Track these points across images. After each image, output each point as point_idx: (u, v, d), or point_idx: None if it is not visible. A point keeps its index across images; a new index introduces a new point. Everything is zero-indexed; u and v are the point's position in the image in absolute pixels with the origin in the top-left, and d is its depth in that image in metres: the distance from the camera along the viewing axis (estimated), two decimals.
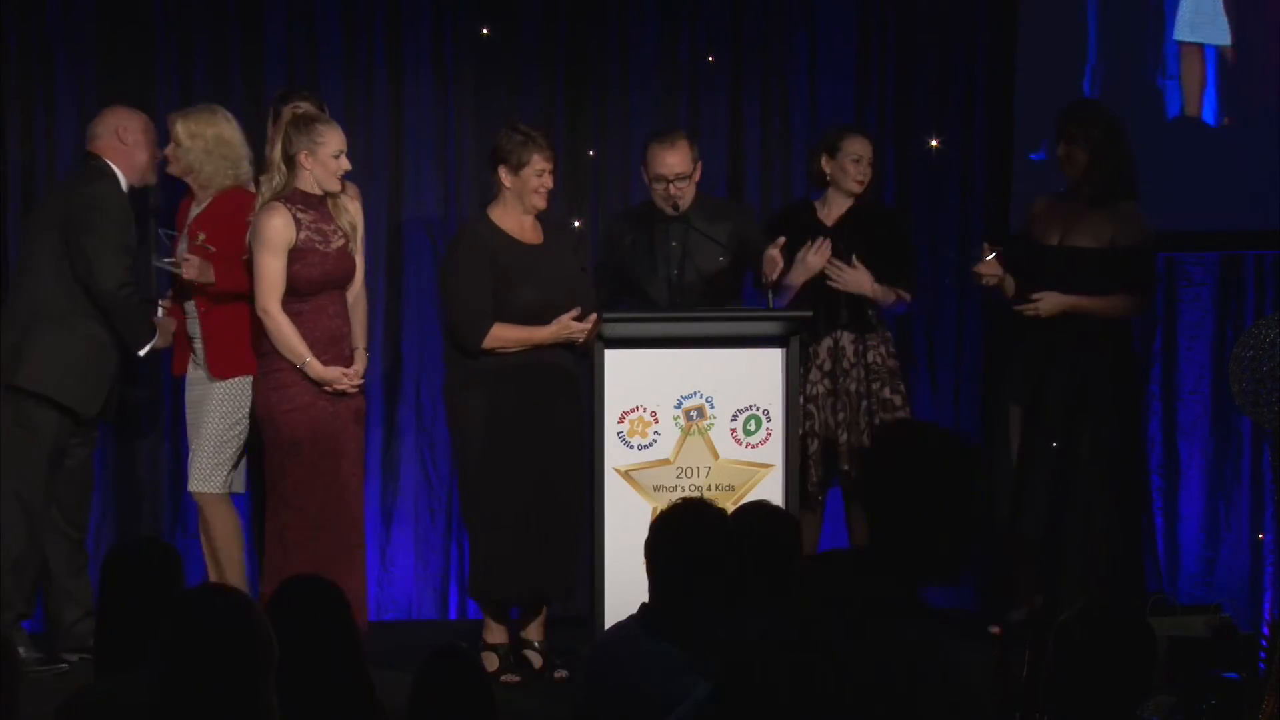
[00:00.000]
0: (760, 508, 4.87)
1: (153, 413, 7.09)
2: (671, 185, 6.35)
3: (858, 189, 6.70)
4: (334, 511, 6.04)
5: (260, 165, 6.48)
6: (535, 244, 6.19)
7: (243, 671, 3.12)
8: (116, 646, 3.78)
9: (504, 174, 6.13)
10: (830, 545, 6.80)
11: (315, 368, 6.02)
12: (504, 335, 6.05)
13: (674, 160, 6.34)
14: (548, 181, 6.14)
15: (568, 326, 6.03)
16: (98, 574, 3.97)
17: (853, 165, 6.74)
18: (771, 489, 5.85)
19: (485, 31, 7.26)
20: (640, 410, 5.87)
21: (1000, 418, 6.84)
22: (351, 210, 6.19)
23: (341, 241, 6.11)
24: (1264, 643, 5.38)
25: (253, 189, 6.29)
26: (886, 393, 6.65)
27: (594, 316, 6.02)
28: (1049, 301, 6.56)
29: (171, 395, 7.08)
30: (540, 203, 6.15)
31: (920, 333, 7.48)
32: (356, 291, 6.23)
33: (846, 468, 6.56)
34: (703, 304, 6.33)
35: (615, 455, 5.85)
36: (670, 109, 7.31)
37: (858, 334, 6.66)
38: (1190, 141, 7.28)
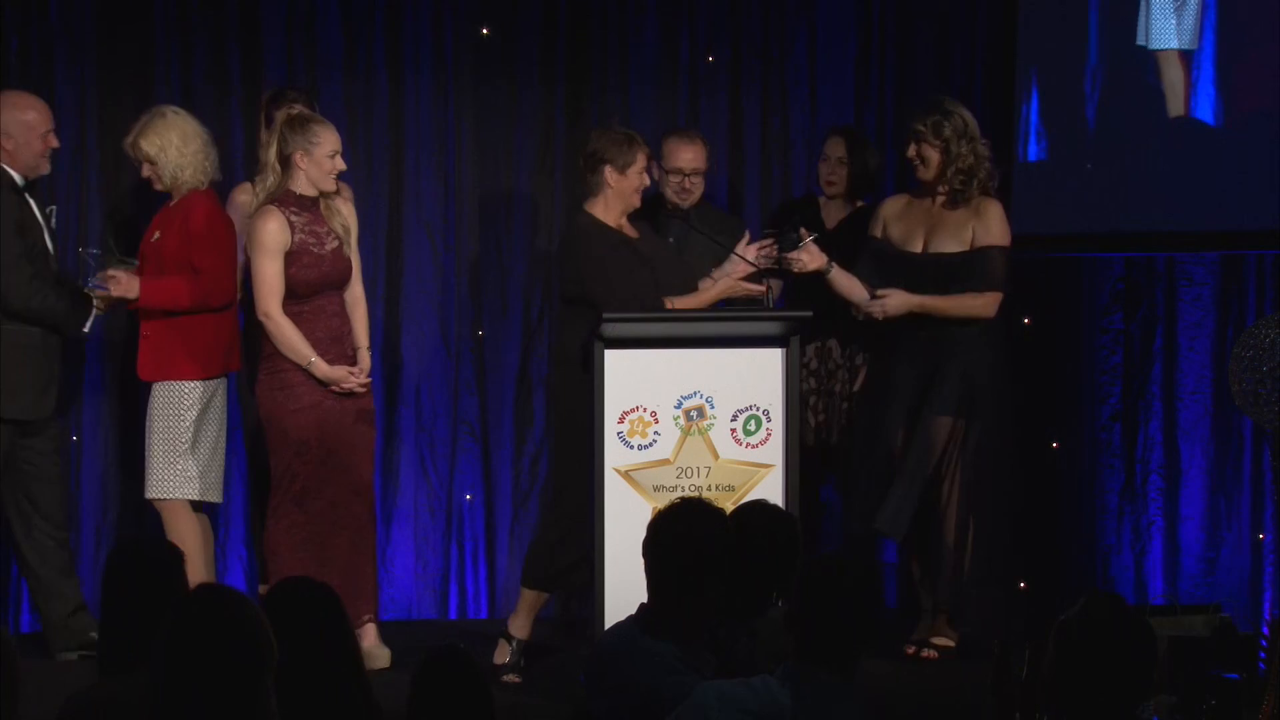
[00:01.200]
0: (760, 508, 4.87)
1: None
2: (686, 179, 6.59)
3: (827, 189, 6.76)
4: (344, 510, 6.08)
5: (255, 164, 6.52)
6: (635, 238, 6.24)
7: (242, 672, 3.12)
8: (119, 647, 3.78)
9: (609, 174, 6.16)
10: (830, 545, 6.81)
11: (321, 367, 6.05)
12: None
13: (691, 155, 6.61)
14: (646, 180, 6.22)
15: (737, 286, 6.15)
16: (98, 574, 3.97)
17: (823, 165, 6.77)
18: (771, 489, 5.84)
19: (485, 31, 7.26)
20: (640, 410, 5.86)
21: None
22: (344, 212, 6.21)
23: (336, 243, 6.13)
24: (1264, 643, 5.38)
25: (216, 178, 6.37)
26: None
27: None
28: (895, 300, 6.28)
29: None
30: (638, 201, 6.21)
31: None
32: (355, 292, 6.25)
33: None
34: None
35: (615, 455, 5.84)
36: (670, 109, 7.31)
37: (845, 338, 6.68)
38: (1190, 142, 7.28)
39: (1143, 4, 7.13)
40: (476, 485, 7.31)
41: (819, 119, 7.42)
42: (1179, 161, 7.24)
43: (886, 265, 6.39)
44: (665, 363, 5.89)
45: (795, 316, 6.17)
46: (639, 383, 5.86)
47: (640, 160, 6.16)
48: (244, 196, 6.50)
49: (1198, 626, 5.82)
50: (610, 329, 5.84)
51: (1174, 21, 7.13)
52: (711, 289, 6.20)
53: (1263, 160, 7.15)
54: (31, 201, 6.34)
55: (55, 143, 6.39)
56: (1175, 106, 7.22)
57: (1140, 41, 7.17)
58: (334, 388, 6.07)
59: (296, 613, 3.69)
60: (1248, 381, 6.34)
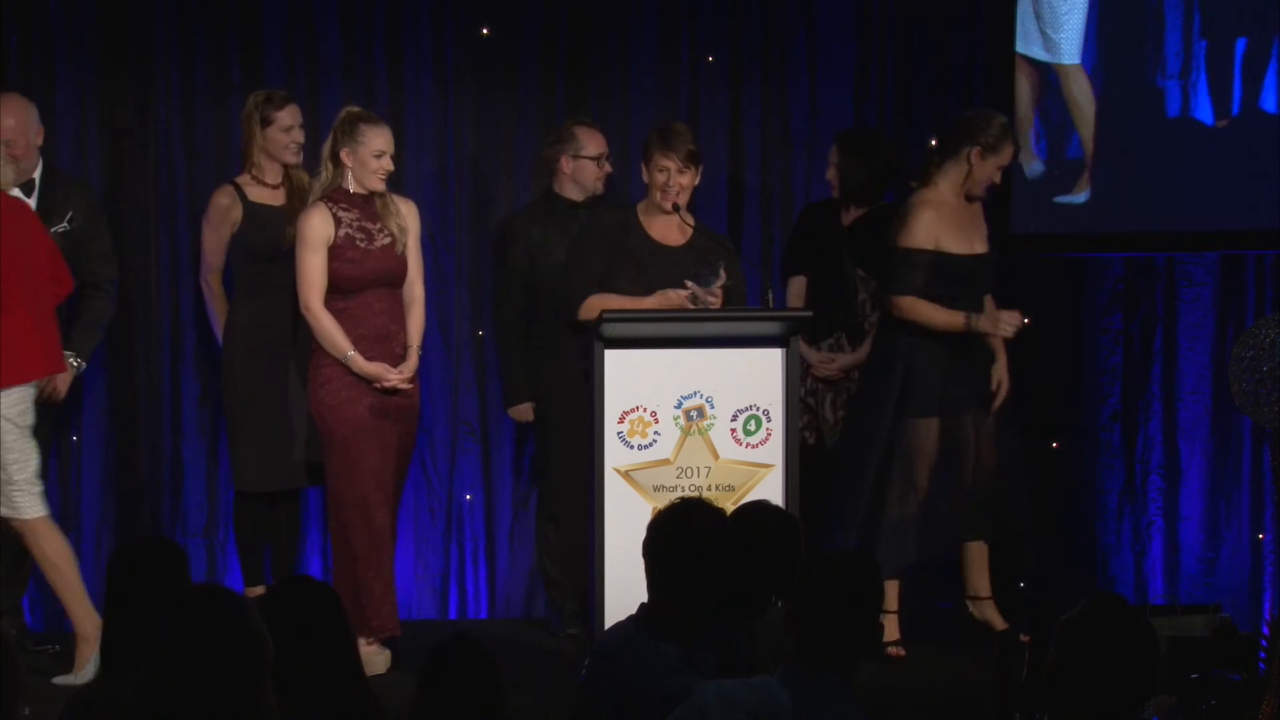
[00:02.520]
0: (761, 508, 4.87)
1: (152, 412, 7.09)
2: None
3: (833, 192, 6.77)
4: (373, 506, 6.13)
5: (242, 162, 6.58)
6: (672, 245, 6.21)
7: (237, 671, 3.12)
8: (122, 646, 3.78)
9: (644, 172, 6.19)
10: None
11: (358, 362, 6.10)
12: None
13: (596, 143, 6.66)
14: (673, 180, 6.15)
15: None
16: (98, 574, 3.97)
17: (830, 168, 6.79)
18: (771, 489, 5.84)
19: (485, 31, 7.26)
20: (640, 410, 5.86)
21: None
22: (404, 212, 6.26)
23: (387, 240, 6.18)
24: (1264, 643, 5.38)
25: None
26: None
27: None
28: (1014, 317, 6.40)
29: (171, 394, 7.08)
30: (663, 201, 6.18)
31: None
32: (413, 291, 6.29)
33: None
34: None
35: (615, 455, 5.84)
36: (670, 109, 7.31)
37: (854, 338, 6.69)
38: (1190, 141, 7.28)
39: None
40: (476, 485, 7.31)
41: (819, 119, 7.42)
42: (1179, 161, 7.25)
43: (950, 273, 6.35)
44: (665, 363, 5.89)
45: (795, 316, 6.17)
46: (639, 383, 5.86)
47: (658, 159, 6.15)
48: (224, 200, 6.55)
49: (1198, 626, 5.81)
50: (610, 329, 5.83)
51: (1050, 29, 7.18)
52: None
53: (1263, 160, 7.15)
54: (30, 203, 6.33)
55: (39, 141, 6.36)
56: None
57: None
58: (376, 385, 6.12)
59: (295, 612, 3.69)
60: (1248, 381, 6.33)
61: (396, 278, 6.22)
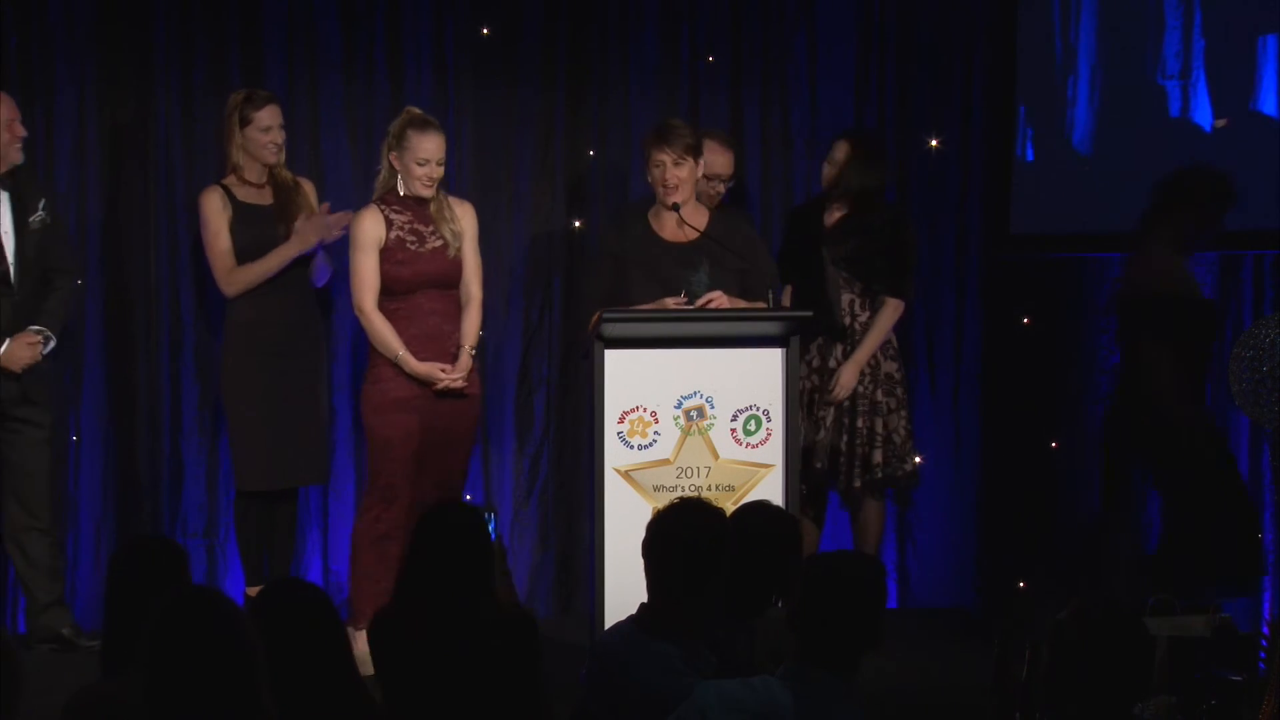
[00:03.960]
0: (760, 508, 4.87)
1: (152, 412, 7.09)
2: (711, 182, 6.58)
3: (824, 187, 6.75)
4: (396, 500, 6.20)
5: (224, 163, 6.59)
6: (684, 242, 6.20)
7: (228, 672, 3.12)
8: (123, 645, 3.78)
9: (648, 172, 6.22)
10: (831, 545, 6.81)
11: (410, 362, 6.16)
12: None
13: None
14: (670, 174, 6.15)
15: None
16: (98, 574, 3.97)
17: (826, 165, 6.75)
18: (771, 489, 5.84)
19: (485, 31, 7.26)
20: (640, 410, 5.86)
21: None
22: (459, 215, 6.32)
23: (439, 243, 6.25)
24: (1264, 643, 5.38)
25: None
26: (879, 395, 6.66)
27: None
28: None
29: (171, 394, 7.08)
30: (665, 197, 6.18)
31: (920, 333, 7.48)
32: (469, 292, 6.34)
33: (819, 465, 6.60)
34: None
35: (615, 455, 5.84)
36: (670, 109, 7.30)
37: (837, 338, 6.68)
38: (1190, 141, 7.28)
39: None
40: (476, 485, 7.30)
41: (819, 119, 7.41)
42: (1179, 161, 7.24)
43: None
44: (665, 363, 5.89)
45: (795, 316, 6.17)
46: (639, 383, 5.86)
47: (654, 154, 6.16)
48: (216, 200, 6.53)
49: (1198, 626, 5.81)
50: (610, 329, 5.83)
51: None
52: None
53: (1263, 160, 7.15)
54: (2, 194, 6.31)
55: (22, 131, 6.36)
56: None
57: None
58: (432, 387, 6.17)
59: (285, 614, 3.70)
60: (1247, 381, 6.35)
61: (449, 280, 6.28)
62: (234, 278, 6.52)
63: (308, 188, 6.65)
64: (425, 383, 6.20)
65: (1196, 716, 4.83)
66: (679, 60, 7.39)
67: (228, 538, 7.02)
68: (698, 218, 6.22)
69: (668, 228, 6.22)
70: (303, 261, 6.57)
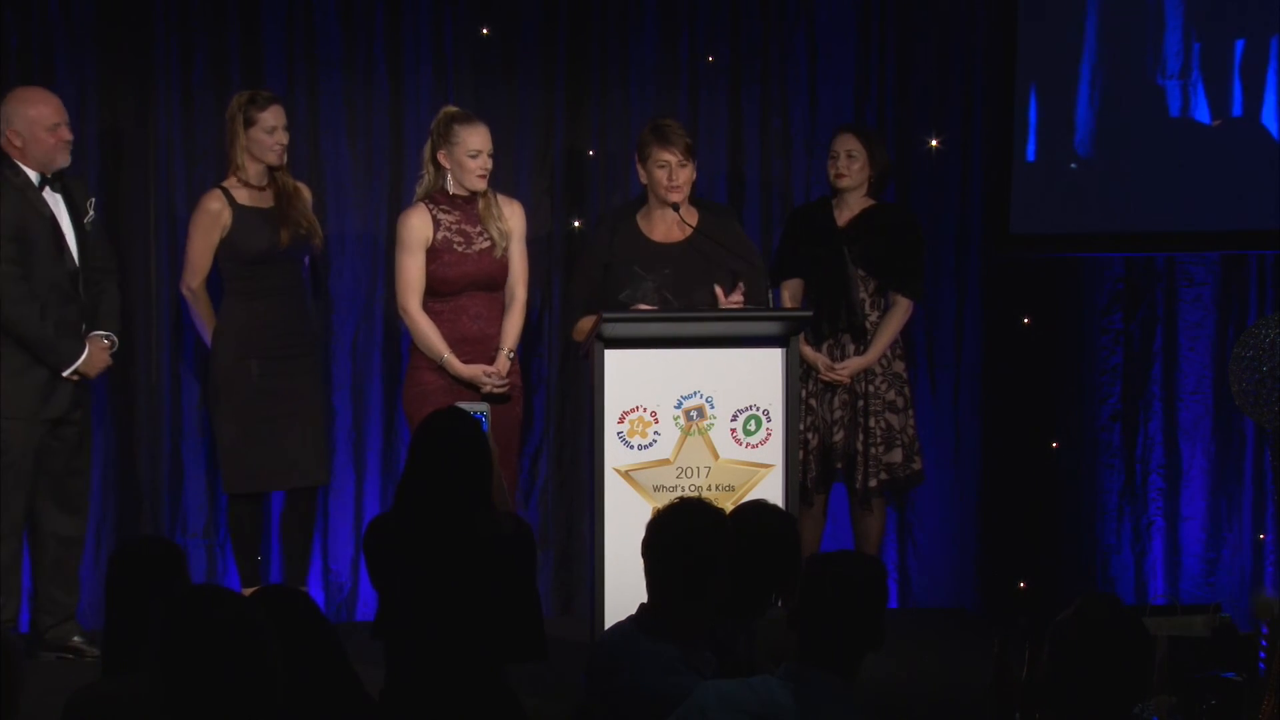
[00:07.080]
0: (760, 507, 4.87)
1: (152, 412, 7.09)
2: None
3: (838, 183, 6.75)
4: None
5: (226, 165, 6.56)
6: (674, 243, 6.19)
7: (245, 671, 3.11)
8: (123, 645, 3.78)
9: (640, 169, 6.20)
10: (831, 545, 6.81)
11: (455, 365, 6.15)
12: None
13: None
14: (675, 173, 6.15)
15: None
16: (98, 574, 3.97)
17: (831, 161, 6.76)
18: (771, 489, 5.84)
19: (485, 31, 7.26)
20: (640, 410, 5.86)
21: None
22: (507, 214, 6.28)
23: (486, 244, 6.22)
24: (1264, 643, 5.38)
25: None
26: (891, 394, 6.67)
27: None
28: None
29: (171, 395, 7.08)
30: (668, 196, 6.16)
31: (920, 333, 7.49)
32: (513, 294, 6.31)
33: (840, 465, 6.62)
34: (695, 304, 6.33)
35: (615, 455, 5.84)
36: (670, 109, 7.30)
37: (857, 338, 6.69)
38: (1190, 141, 7.28)
39: None
40: None
41: (819, 119, 7.42)
42: (1179, 161, 7.25)
43: None
44: (665, 363, 5.89)
45: (795, 316, 6.17)
46: (639, 383, 5.86)
47: (657, 154, 6.15)
48: (214, 204, 6.51)
49: (1198, 626, 5.81)
50: (610, 329, 5.83)
51: None
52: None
53: (1263, 160, 7.15)
54: (56, 197, 6.34)
55: (68, 135, 6.37)
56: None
57: None
58: (478, 391, 6.16)
59: (275, 617, 3.70)
60: (1248, 381, 6.34)
61: (494, 281, 6.25)
62: (193, 289, 6.54)
63: (306, 194, 6.64)
64: (464, 384, 6.17)
65: (1196, 716, 4.83)
66: (679, 60, 7.39)
67: (227, 538, 7.02)
68: (688, 217, 6.23)
69: (657, 229, 6.22)
70: (298, 263, 6.56)
